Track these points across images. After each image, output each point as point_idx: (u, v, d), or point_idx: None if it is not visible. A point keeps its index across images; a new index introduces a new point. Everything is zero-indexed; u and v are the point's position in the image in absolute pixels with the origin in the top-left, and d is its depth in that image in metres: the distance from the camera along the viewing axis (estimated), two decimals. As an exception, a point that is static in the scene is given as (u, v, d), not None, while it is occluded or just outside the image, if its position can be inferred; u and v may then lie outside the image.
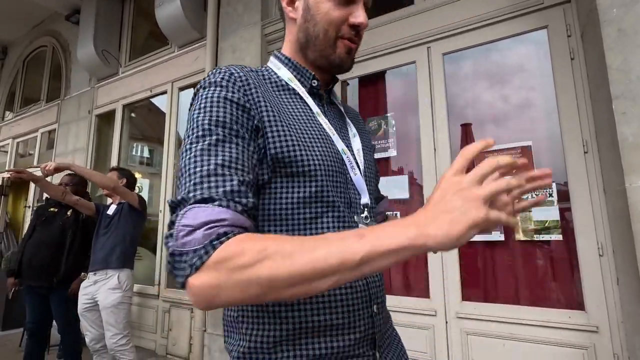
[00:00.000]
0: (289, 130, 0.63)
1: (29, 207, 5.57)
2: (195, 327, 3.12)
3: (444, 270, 2.40)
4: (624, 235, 1.66)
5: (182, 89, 3.98)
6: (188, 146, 0.57)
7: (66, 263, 2.76)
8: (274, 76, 0.72)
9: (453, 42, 2.58)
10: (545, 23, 2.26)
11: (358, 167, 0.72)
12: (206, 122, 0.57)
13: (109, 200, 2.78)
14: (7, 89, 6.65)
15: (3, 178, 6.24)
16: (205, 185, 0.52)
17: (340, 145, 0.70)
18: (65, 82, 5.35)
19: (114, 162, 4.44)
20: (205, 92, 0.61)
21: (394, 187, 2.69)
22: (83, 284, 2.59)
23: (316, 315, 0.61)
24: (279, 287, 0.46)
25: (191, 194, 0.52)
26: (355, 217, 0.68)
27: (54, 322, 2.83)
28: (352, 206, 0.69)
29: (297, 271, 0.45)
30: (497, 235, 2.29)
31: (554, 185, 2.17)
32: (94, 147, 4.72)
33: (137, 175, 4.22)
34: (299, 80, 0.73)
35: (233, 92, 0.61)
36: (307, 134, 0.66)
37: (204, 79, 0.65)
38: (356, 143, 0.78)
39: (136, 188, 2.94)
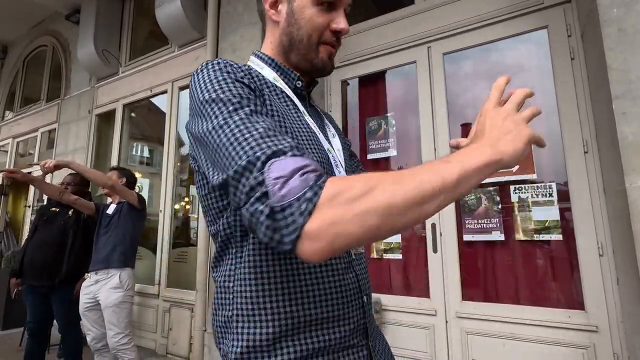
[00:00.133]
0: (285, 126, 0.65)
1: (29, 206, 5.57)
2: (195, 327, 3.13)
3: (444, 270, 2.40)
4: (624, 235, 1.67)
5: (182, 88, 3.97)
6: (222, 122, 0.55)
7: (67, 263, 2.77)
8: (259, 74, 0.73)
9: (453, 42, 2.58)
10: (545, 23, 2.26)
11: (341, 164, 0.75)
12: (232, 98, 0.57)
13: (109, 200, 2.78)
14: (7, 88, 6.65)
15: (3, 178, 6.24)
16: (269, 143, 0.51)
17: (325, 144, 0.73)
18: (65, 81, 5.35)
19: (114, 162, 4.44)
20: (215, 74, 0.62)
21: (394, 187, 2.69)
22: (84, 284, 2.59)
23: (313, 309, 0.62)
24: (394, 215, 0.46)
25: (258, 153, 0.50)
26: None
27: (55, 322, 2.84)
28: None
29: (408, 195, 0.46)
30: (497, 235, 2.30)
31: (554, 185, 2.18)
32: (94, 147, 4.72)
33: (137, 175, 4.23)
34: (283, 81, 0.74)
35: (242, 77, 0.63)
36: (299, 131, 0.68)
37: (206, 62, 0.65)
38: (336, 143, 0.80)
39: (136, 188, 2.94)
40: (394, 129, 2.83)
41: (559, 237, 2.13)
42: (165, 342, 3.52)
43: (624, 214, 1.63)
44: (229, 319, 0.63)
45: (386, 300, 2.59)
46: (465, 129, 2.56)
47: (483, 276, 2.37)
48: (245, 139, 0.52)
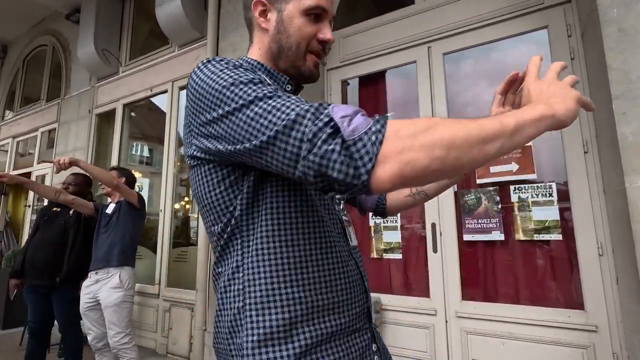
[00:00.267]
0: None
1: (29, 206, 5.57)
2: (195, 326, 3.13)
3: (444, 270, 2.41)
4: (624, 235, 1.67)
5: (182, 88, 3.97)
6: (253, 96, 0.56)
7: (68, 262, 2.77)
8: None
9: (453, 42, 2.58)
10: (545, 23, 2.27)
11: None
12: (253, 78, 0.60)
13: (109, 200, 2.78)
14: (7, 88, 6.65)
15: None
16: (309, 103, 0.54)
17: None
18: (65, 81, 5.35)
19: (114, 162, 4.44)
20: (222, 64, 0.64)
21: (394, 187, 2.69)
22: (85, 283, 2.59)
23: (324, 294, 0.65)
24: (458, 148, 0.49)
25: (306, 107, 0.53)
26: (335, 207, 0.76)
27: (55, 322, 2.84)
28: (333, 199, 0.77)
29: (471, 133, 0.50)
30: (497, 235, 2.30)
31: (553, 185, 2.18)
32: (94, 147, 4.72)
33: (137, 174, 4.22)
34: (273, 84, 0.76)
35: (247, 68, 0.65)
36: None
37: (207, 59, 0.66)
38: None
39: (136, 187, 2.94)
40: (394, 128, 2.83)
41: (559, 237, 2.13)
42: (165, 341, 3.52)
43: (623, 214, 1.63)
44: (239, 310, 0.63)
45: (386, 300, 2.59)
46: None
47: (483, 276, 2.37)
48: (284, 103, 0.55)
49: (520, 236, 2.24)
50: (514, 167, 2.29)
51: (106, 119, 4.81)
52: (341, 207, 0.80)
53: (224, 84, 0.59)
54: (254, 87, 0.58)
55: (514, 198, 2.28)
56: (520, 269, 2.25)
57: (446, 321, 2.36)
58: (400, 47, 2.79)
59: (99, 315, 2.53)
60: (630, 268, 1.63)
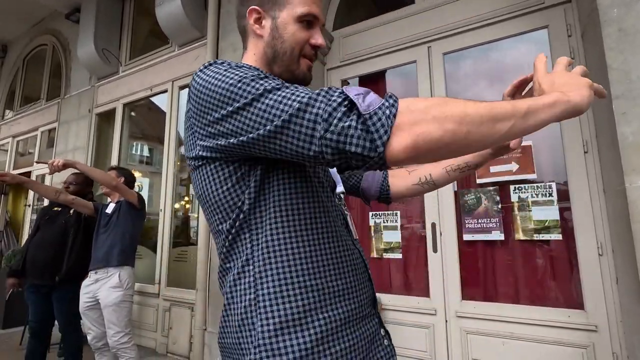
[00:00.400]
0: None
1: (29, 205, 5.57)
2: (195, 326, 3.13)
3: (444, 270, 2.41)
4: (624, 234, 1.67)
5: (182, 87, 3.97)
6: (262, 90, 0.59)
7: (68, 261, 2.77)
8: None
9: (453, 42, 2.58)
10: (545, 23, 2.27)
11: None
12: (259, 74, 0.63)
13: (109, 199, 2.78)
14: (7, 87, 6.64)
15: None
16: (321, 89, 0.58)
17: None
18: (65, 80, 5.34)
19: (114, 161, 4.44)
20: (225, 65, 0.66)
21: (394, 187, 2.69)
22: (84, 283, 2.59)
23: (335, 281, 0.67)
24: (468, 123, 0.52)
25: (317, 91, 0.57)
26: (336, 199, 0.79)
27: (56, 321, 2.84)
28: (333, 191, 0.81)
29: (481, 111, 0.53)
30: (497, 235, 2.30)
31: (553, 184, 2.18)
32: (94, 146, 4.72)
33: (137, 174, 4.22)
34: None
35: (249, 67, 0.68)
36: None
37: (208, 62, 0.69)
38: None
39: (136, 187, 2.94)
40: (394, 128, 2.83)
41: (559, 236, 2.13)
42: (165, 341, 3.52)
43: (623, 214, 1.63)
44: (251, 302, 0.64)
45: (386, 299, 2.59)
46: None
47: (483, 276, 2.37)
48: (294, 91, 0.57)
49: (520, 236, 2.24)
50: (514, 166, 2.29)
51: (106, 118, 4.80)
52: (341, 201, 0.83)
53: (231, 82, 0.61)
54: (261, 82, 0.60)
55: (514, 198, 2.28)
56: (520, 269, 2.25)
57: (446, 321, 2.36)
58: (400, 46, 2.79)
59: (98, 314, 2.53)
60: (630, 268, 1.63)
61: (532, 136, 2.25)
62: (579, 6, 2.13)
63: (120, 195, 2.65)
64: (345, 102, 0.54)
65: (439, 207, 2.49)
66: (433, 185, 0.99)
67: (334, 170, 0.83)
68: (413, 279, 2.62)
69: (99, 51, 4.47)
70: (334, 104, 0.54)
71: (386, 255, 2.71)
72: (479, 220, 2.36)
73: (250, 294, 0.65)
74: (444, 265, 2.41)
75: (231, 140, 0.62)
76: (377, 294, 2.56)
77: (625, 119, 1.60)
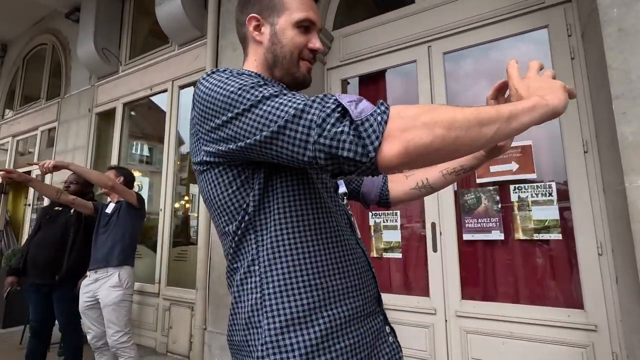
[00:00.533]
0: None
1: (29, 205, 5.57)
2: (195, 325, 3.13)
3: (444, 269, 2.41)
4: (623, 234, 1.67)
5: (182, 87, 3.97)
6: (260, 97, 0.61)
7: (68, 260, 2.78)
8: None
9: (454, 41, 2.58)
10: (545, 22, 2.27)
11: None
12: (260, 81, 0.65)
13: (108, 199, 2.78)
14: (7, 86, 6.64)
15: (1, 177, 6.22)
16: (316, 95, 0.60)
17: None
18: (65, 80, 5.34)
19: (114, 161, 4.44)
20: (228, 73, 0.68)
21: (394, 186, 2.70)
22: (84, 282, 2.59)
23: (339, 279, 0.69)
24: (457, 128, 0.54)
25: (312, 98, 0.59)
26: (339, 200, 0.82)
27: (56, 320, 2.84)
28: (336, 192, 0.83)
29: (468, 116, 0.55)
30: (497, 235, 2.30)
31: (553, 184, 2.18)
32: (94, 146, 4.72)
33: (137, 173, 4.22)
34: None
35: (250, 74, 0.70)
36: None
37: (211, 70, 0.71)
38: None
39: (135, 186, 2.94)
40: (394, 128, 2.83)
41: (559, 236, 2.14)
42: (165, 340, 3.53)
43: (623, 214, 1.63)
44: (257, 301, 0.66)
45: (386, 299, 2.59)
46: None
47: (483, 275, 2.37)
48: (291, 98, 0.59)
49: (520, 236, 2.24)
50: (513, 166, 2.29)
51: (106, 117, 4.80)
52: (345, 202, 0.85)
53: (231, 89, 0.63)
54: (260, 89, 0.62)
55: (513, 197, 2.28)
56: (520, 269, 2.25)
57: (446, 320, 2.36)
58: (400, 46, 2.79)
59: (98, 314, 2.53)
60: (629, 268, 1.63)
61: (532, 136, 2.26)
62: (579, 6, 2.13)
63: (120, 195, 2.65)
64: (339, 109, 0.55)
65: (439, 207, 2.49)
66: (430, 189, 1.00)
67: None
68: (413, 278, 2.62)
69: (98, 50, 4.46)
70: (328, 110, 0.55)
71: (386, 255, 2.71)
72: (479, 220, 2.37)
73: (256, 293, 0.67)
74: (443, 265, 2.41)
75: (231, 146, 0.64)
76: (377, 294, 2.49)
77: (625, 119, 1.60)
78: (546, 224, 2.17)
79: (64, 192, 2.67)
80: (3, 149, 6.40)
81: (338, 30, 3.14)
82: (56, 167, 2.30)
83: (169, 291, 3.64)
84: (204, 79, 0.70)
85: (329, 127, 0.54)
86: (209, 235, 3.18)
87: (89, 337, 2.57)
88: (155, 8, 3.77)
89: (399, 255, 2.67)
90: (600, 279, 1.96)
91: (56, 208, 2.94)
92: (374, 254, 2.75)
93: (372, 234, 2.79)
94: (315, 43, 0.79)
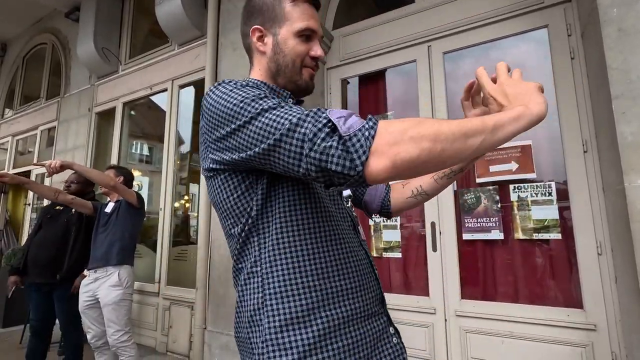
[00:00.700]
0: None
1: (29, 204, 5.57)
2: (195, 325, 3.13)
3: (444, 269, 2.41)
4: (623, 234, 1.67)
5: (182, 86, 3.97)
6: (260, 109, 0.64)
7: (69, 260, 2.78)
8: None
9: (453, 41, 2.58)
10: (545, 22, 2.26)
11: None
12: (260, 93, 0.68)
13: (108, 199, 2.79)
14: (6, 86, 6.64)
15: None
16: (308, 110, 0.63)
17: None
18: (65, 79, 5.34)
19: (114, 160, 4.44)
20: (231, 85, 0.72)
21: (394, 186, 2.70)
22: (84, 282, 2.59)
23: (338, 281, 0.71)
24: (443, 141, 0.56)
25: (306, 112, 0.61)
26: (344, 203, 0.85)
27: (56, 320, 2.84)
28: (340, 195, 0.86)
29: (454, 129, 0.57)
30: (497, 234, 2.30)
31: (553, 184, 2.18)
32: (94, 145, 4.72)
33: (136, 173, 4.22)
34: None
35: (253, 86, 0.73)
36: None
37: (218, 82, 0.75)
38: None
39: (135, 186, 2.95)
40: (394, 127, 2.83)
41: (558, 236, 2.14)
42: (165, 340, 3.53)
43: (622, 213, 1.63)
44: (259, 301, 0.70)
45: (386, 298, 2.59)
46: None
47: (482, 275, 2.38)
48: (287, 111, 0.62)
49: (519, 235, 2.24)
50: (513, 166, 2.29)
51: (106, 117, 4.80)
52: (349, 204, 0.88)
53: (235, 102, 0.67)
54: (260, 102, 0.65)
55: (513, 197, 2.28)
56: (519, 268, 2.25)
57: (445, 320, 2.37)
58: (400, 46, 2.78)
59: (98, 313, 2.54)
60: (629, 267, 1.63)
61: (531, 136, 2.26)
62: (578, 6, 2.13)
63: (121, 195, 2.65)
64: (329, 124, 0.58)
65: (439, 207, 2.49)
66: (426, 195, 1.03)
67: None
68: (412, 278, 2.62)
69: (98, 50, 4.46)
70: (319, 125, 0.58)
71: (386, 255, 2.72)
72: (479, 220, 2.37)
73: (258, 293, 0.70)
74: (443, 265, 2.42)
75: (234, 156, 0.68)
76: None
77: (625, 119, 1.60)
78: (546, 223, 2.17)
79: (62, 192, 2.67)
80: (3, 148, 6.39)
81: (338, 29, 3.14)
82: (63, 167, 2.30)
83: (169, 290, 3.65)
84: (211, 90, 0.74)
85: (319, 141, 0.57)
86: (208, 235, 3.18)
87: (88, 336, 2.57)
88: (155, 7, 3.77)
89: (399, 255, 2.67)
90: (600, 278, 1.96)
91: (57, 207, 2.94)
92: (374, 254, 2.75)
93: (372, 233, 2.79)
94: (317, 51, 0.82)
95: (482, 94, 0.81)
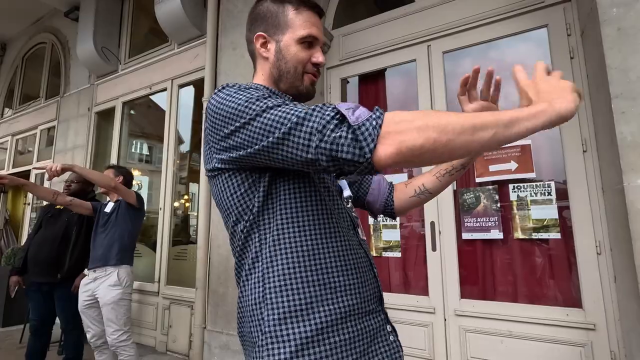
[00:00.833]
0: None
1: (28, 204, 5.57)
2: (195, 324, 3.14)
3: (443, 268, 2.41)
4: (622, 233, 1.68)
5: (182, 86, 3.97)
6: (264, 107, 0.67)
7: (70, 259, 2.78)
8: None
9: (453, 41, 2.58)
10: (545, 22, 2.27)
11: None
12: (264, 93, 0.71)
13: (107, 199, 2.79)
14: (6, 85, 6.63)
15: (2, 175, 6.21)
16: (316, 104, 0.65)
17: None
18: (64, 79, 5.34)
19: (113, 159, 4.44)
20: (235, 87, 0.75)
21: (393, 185, 2.70)
22: (83, 281, 2.60)
23: (336, 277, 0.72)
24: (449, 132, 0.57)
25: (312, 107, 0.64)
26: (343, 202, 0.86)
27: (57, 319, 2.85)
28: (340, 195, 0.88)
29: (462, 121, 0.58)
30: (496, 234, 2.30)
31: (552, 183, 2.18)
32: (93, 144, 4.72)
33: (136, 172, 4.22)
34: None
35: (256, 88, 0.76)
36: None
37: (222, 85, 0.77)
38: None
39: (135, 185, 2.95)
40: (394, 127, 2.83)
41: (557, 235, 2.14)
42: (165, 339, 3.53)
43: (621, 213, 1.63)
44: (259, 295, 0.71)
45: (385, 298, 2.57)
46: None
47: (482, 274, 2.38)
48: (293, 107, 0.65)
49: (519, 235, 2.24)
50: (513, 165, 2.29)
51: (106, 116, 4.80)
52: (349, 205, 0.89)
53: (239, 102, 0.70)
54: (265, 100, 0.68)
55: (512, 197, 2.28)
56: (518, 268, 2.26)
57: (445, 319, 2.37)
58: (400, 45, 2.78)
59: (97, 313, 2.54)
60: (628, 267, 1.64)
61: (531, 135, 2.25)
62: (578, 5, 2.13)
63: (121, 196, 2.65)
64: (337, 116, 0.61)
65: (438, 206, 2.49)
66: (429, 194, 1.05)
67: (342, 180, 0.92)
68: (412, 277, 2.62)
69: (98, 49, 4.46)
70: (327, 117, 0.61)
71: (385, 254, 2.72)
72: (478, 219, 2.37)
73: (259, 287, 0.72)
74: (442, 264, 2.42)
75: (240, 152, 0.70)
76: (377, 293, 2.51)
77: (624, 119, 1.60)
78: (545, 223, 2.18)
79: (60, 193, 2.66)
80: (2, 148, 6.39)
81: (338, 29, 3.13)
82: (63, 170, 2.29)
83: (168, 290, 3.65)
84: (215, 93, 0.76)
85: (328, 132, 0.60)
86: (208, 234, 3.18)
87: (88, 335, 2.57)
88: (154, 7, 3.77)
89: (398, 254, 2.68)
90: (599, 278, 1.96)
91: (58, 206, 2.94)
92: (374, 253, 2.75)
93: (372, 233, 2.79)
94: (319, 57, 0.84)
95: (478, 90, 0.83)
